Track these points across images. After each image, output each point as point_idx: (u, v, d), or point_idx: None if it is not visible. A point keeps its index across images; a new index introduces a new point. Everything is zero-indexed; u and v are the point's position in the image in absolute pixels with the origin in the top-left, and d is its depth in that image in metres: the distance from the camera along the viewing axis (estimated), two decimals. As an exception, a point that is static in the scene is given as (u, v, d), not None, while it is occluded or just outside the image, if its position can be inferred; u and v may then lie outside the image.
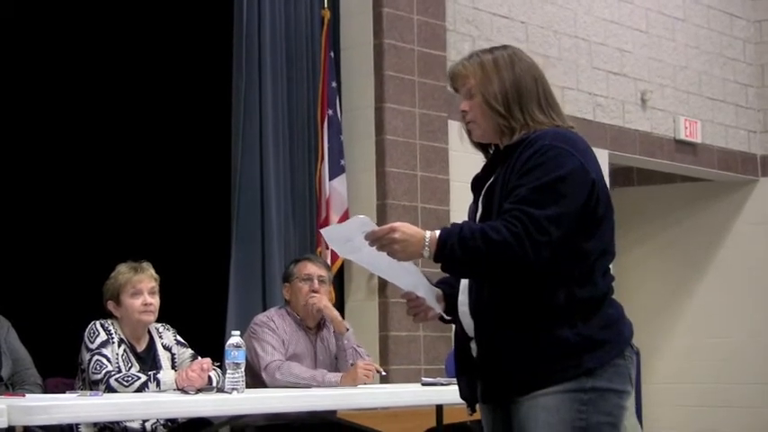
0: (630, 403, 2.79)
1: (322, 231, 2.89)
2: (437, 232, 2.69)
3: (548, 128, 2.79)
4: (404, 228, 2.70)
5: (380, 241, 2.69)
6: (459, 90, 2.92)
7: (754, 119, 8.95)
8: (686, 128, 8.35)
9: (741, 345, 8.72)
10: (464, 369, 2.87)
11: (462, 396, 2.91)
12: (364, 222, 2.71)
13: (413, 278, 2.85)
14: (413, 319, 2.97)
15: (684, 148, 8.40)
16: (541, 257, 2.63)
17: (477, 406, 2.89)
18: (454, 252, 2.65)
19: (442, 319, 2.95)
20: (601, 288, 2.76)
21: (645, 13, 8.20)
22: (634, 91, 8.04)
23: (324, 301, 5.09)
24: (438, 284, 2.95)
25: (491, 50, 2.91)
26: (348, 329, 5.13)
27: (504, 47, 2.94)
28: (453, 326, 2.93)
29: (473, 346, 2.81)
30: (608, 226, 2.79)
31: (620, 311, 2.81)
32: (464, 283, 2.85)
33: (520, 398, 2.73)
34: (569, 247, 2.69)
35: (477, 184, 2.92)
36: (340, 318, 5.15)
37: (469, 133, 2.91)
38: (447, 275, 2.87)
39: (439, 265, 2.72)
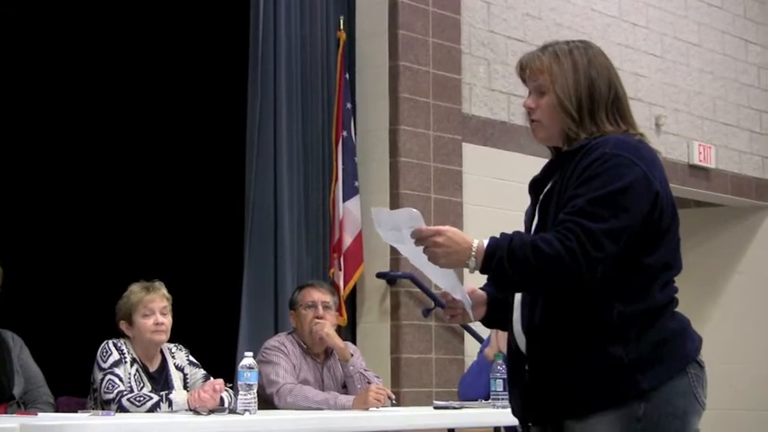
0: (698, 422, 2.61)
1: (372, 210, 2.68)
2: (485, 241, 2.52)
3: (612, 134, 2.63)
4: (450, 233, 2.53)
5: (423, 242, 2.54)
6: (526, 83, 2.75)
7: (767, 144, 8.94)
8: (700, 153, 8.33)
9: (756, 371, 8.67)
10: (516, 384, 2.71)
11: (514, 413, 2.74)
12: (413, 216, 2.54)
13: (451, 280, 2.71)
14: (448, 320, 2.85)
15: (698, 173, 8.38)
16: (595, 274, 2.48)
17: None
18: (502, 265, 2.49)
19: (483, 321, 2.83)
20: (659, 300, 2.58)
21: (660, 38, 8.20)
22: (648, 115, 8.02)
23: (326, 328, 5.05)
24: (483, 287, 2.81)
25: (567, 44, 2.74)
26: (353, 355, 5.10)
27: (582, 42, 2.77)
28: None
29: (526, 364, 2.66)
30: (672, 239, 2.65)
31: (683, 324, 2.64)
32: (517, 299, 2.69)
33: (570, 421, 2.57)
34: (628, 261, 2.54)
35: (534, 186, 2.75)
36: (342, 345, 5.11)
37: (533, 131, 2.75)
38: None
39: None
